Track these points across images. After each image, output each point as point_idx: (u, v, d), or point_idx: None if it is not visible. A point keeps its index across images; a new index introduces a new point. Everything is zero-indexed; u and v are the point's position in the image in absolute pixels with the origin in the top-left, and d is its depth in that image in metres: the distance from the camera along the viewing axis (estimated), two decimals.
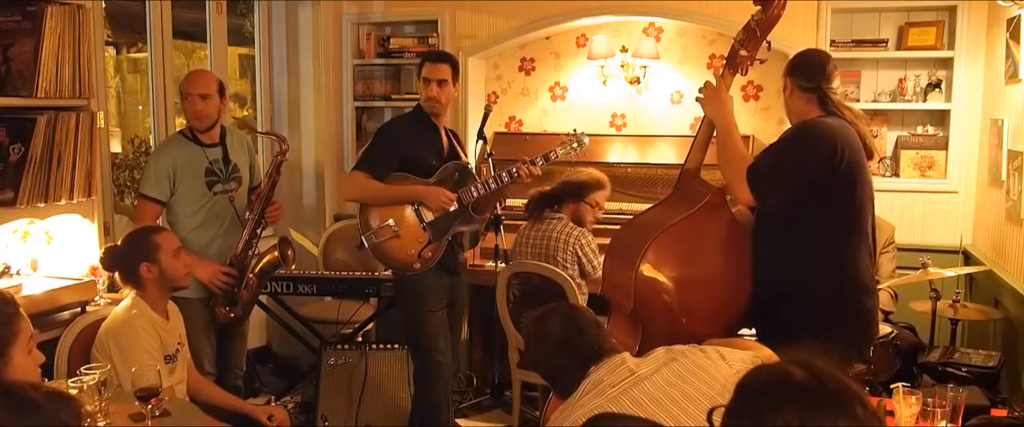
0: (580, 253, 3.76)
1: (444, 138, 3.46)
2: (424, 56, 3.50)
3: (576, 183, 3.88)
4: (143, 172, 3.38)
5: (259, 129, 4.68)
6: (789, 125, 2.70)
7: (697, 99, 2.69)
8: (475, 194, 3.33)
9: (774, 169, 2.49)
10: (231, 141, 3.41)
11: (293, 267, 3.53)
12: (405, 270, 3.35)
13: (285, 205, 3.62)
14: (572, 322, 2.07)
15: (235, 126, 3.58)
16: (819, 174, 2.45)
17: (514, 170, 3.31)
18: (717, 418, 1.27)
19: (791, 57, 2.70)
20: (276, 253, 3.34)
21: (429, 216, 3.32)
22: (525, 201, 4.02)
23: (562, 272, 3.65)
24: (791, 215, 2.49)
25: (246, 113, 5.15)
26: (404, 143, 3.36)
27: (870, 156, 2.55)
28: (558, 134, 4.70)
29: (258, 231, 3.32)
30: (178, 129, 3.50)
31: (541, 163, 3.33)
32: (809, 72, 2.58)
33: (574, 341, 2.04)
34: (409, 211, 3.34)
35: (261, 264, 3.33)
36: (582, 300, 3.75)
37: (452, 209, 3.30)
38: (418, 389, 3.56)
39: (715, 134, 2.66)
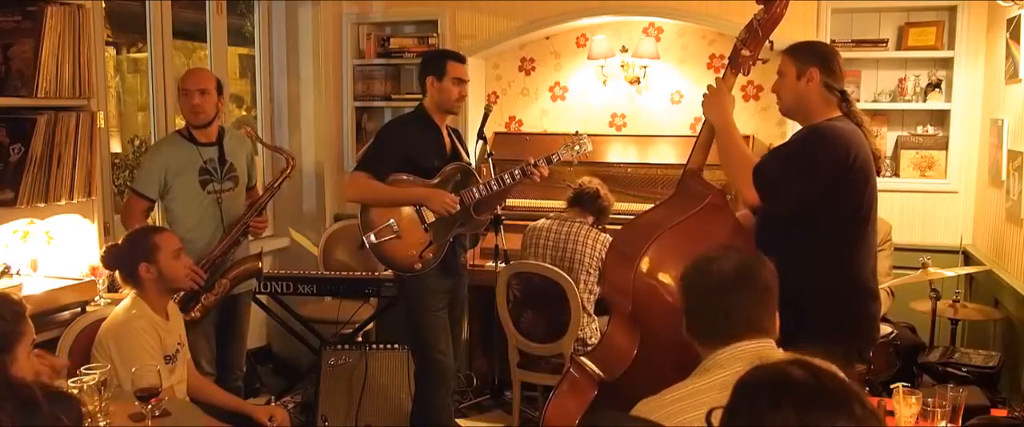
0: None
1: (446, 138, 3.45)
2: (447, 56, 3.42)
3: (608, 207, 3.88)
4: (138, 167, 3.40)
5: (260, 135, 4.66)
6: (785, 115, 2.68)
7: (702, 104, 2.67)
8: (477, 195, 3.33)
9: (785, 172, 2.45)
10: (229, 141, 3.41)
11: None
12: (406, 271, 3.34)
13: (279, 202, 3.63)
14: (743, 280, 1.76)
15: (235, 125, 3.58)
16: (830, 178, 2.43)
17: (516, 172, 3.29)
18: (715, 419, 1.27)
19: (806, 44, 2.61)
20: (257, 263, 3.35)
21: (430, 217, 3.32)
22: (568, 199, 3.95)
23: (565, 274, 3.64)
24: (797, 218, 2.47)
25: (245, 113, 5.15)
26: (406, 143, 3.35)
27: (879, 170, 2.52)
28: (558, 134, 4.71)
29: (241, 239, 3.35)
30: (177, 129, 3.51)
31: (544, 164, 3.31)
32: (836, 71, 2.50)
33: (732, 301, 1.75)
34: (410, 212, 3.33)
35: (237, 270, 3.32)
36: (591, 304, 3.75)
37: (455, 210, 3.30)
38: (418, 389, 3.56)
39: (716, 135, 2.64)
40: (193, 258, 3.11)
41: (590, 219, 3.86)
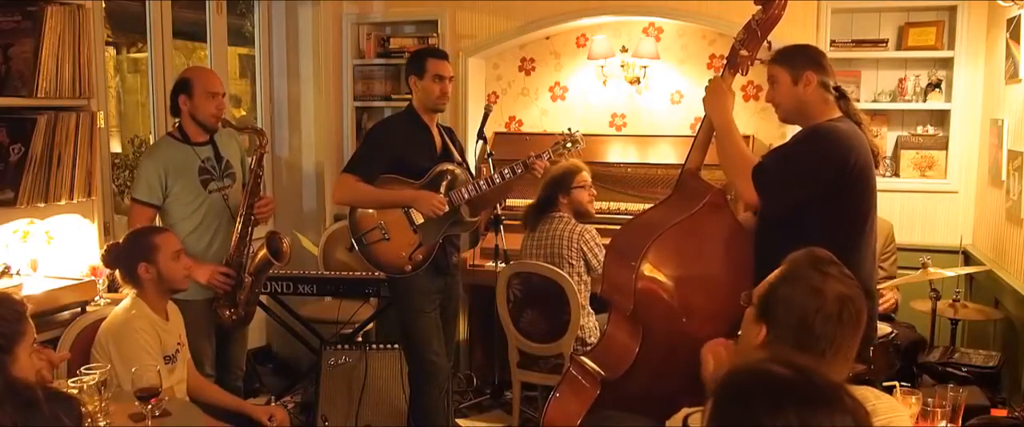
0: (585, 249, 3.74)
1: (437, 137, 3.44)
2: (427, 53, 3.40)
3: (557, 178, 3.84)
4: (134, 177, 3.36)
5: (235, 125, 4.61)
6: (784, 121, 2.68)
7: (703, 100, 2.68)
8: (466, 196, 3.32)
9: (784, 171, 2.45)
10: (220, 138, 3.39)
11: (288, 260, 3.42)
12: (395, 273, 3.33)
13: (279, 203, 3.59)
14: (845, 311, 1.65)
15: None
16: (830, 179, 2.43)
17: (506, 171, 3.29)
18: (694, 422, 1.24)
19: (793, 49, 2.62)
20: (264, 250, 3.31)
21: (419, 219, 3.31)
22: (524, 212, 3.99)
23: (564, 273, 3.65)
24: (796, 217, 2.48)
25: (243, 113, 5.14)
26: (396, 144, 3.33)
27: (876, 164, 2.53)
28: (558, 134, 4.71)
29: (249, 229, 3.29)
30: (168, 131, 3.47)
31: (535, 159, 3.31)
32: (828, 68, 2.52)
33: (828, 328, 1.64)
34: (400, 214, 3.31)
35: (254, 263, 3.29)
36: (585, 298, 3.76)
37: (443, 212, 3.29)
38: (413, 390, 3.55)
39: (715, 132, 2.65)
40: (200, 259, 3.12)
41: (564, 204, 3.84)
